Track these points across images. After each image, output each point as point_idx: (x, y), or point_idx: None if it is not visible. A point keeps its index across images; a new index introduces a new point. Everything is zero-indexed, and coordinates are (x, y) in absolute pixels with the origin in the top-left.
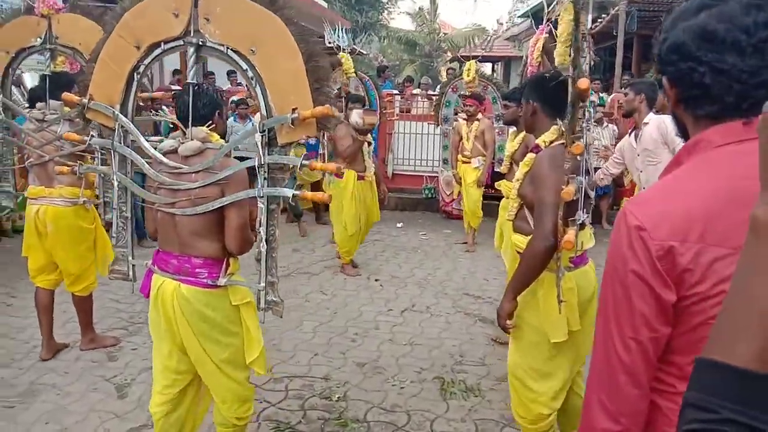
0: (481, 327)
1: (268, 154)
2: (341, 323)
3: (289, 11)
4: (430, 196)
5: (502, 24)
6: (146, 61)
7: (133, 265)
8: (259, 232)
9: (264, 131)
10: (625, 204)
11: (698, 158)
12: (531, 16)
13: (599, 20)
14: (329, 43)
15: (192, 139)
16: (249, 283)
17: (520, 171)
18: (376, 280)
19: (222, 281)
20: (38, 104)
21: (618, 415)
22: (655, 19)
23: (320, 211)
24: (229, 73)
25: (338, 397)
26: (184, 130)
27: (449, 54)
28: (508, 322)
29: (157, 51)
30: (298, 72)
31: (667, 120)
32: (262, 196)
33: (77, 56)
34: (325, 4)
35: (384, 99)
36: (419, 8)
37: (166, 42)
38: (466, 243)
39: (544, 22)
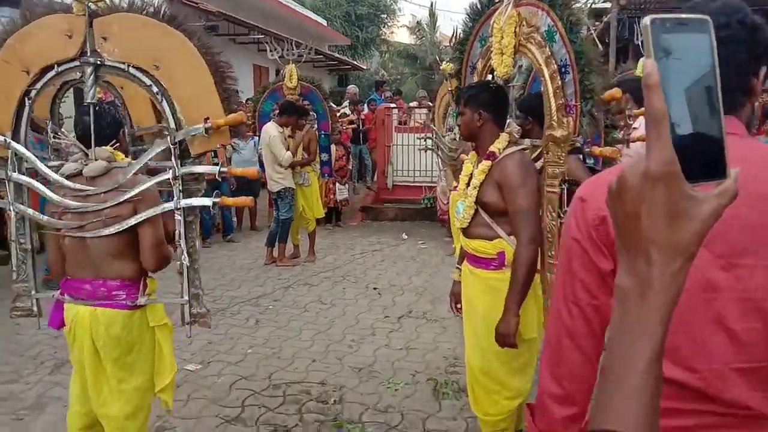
0: None
1: (182, 166)
2: (339, 331)
3: (190, 26)
4: (429, 205)
5: None
6: (38, 85)
7: (37, 300)
8: (179, 245)
9: (176, 143)
10: None
11: None
12: None
13: (593, 27)
14: (271, 57)
15: (96, 159)
16: (173, 299)
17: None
18: (375, 288)
19: (142, 300)
20: None
21: (561, 379)
22: None
23: None
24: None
25: (334, 401)
26: (86, 151)
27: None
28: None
29: (51, 73)
30: (206, 83)
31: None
32: (179, 209)
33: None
34: (324, 22)
35: (384, 112)
36: (417, 22)
37: (59, 64)
38: None
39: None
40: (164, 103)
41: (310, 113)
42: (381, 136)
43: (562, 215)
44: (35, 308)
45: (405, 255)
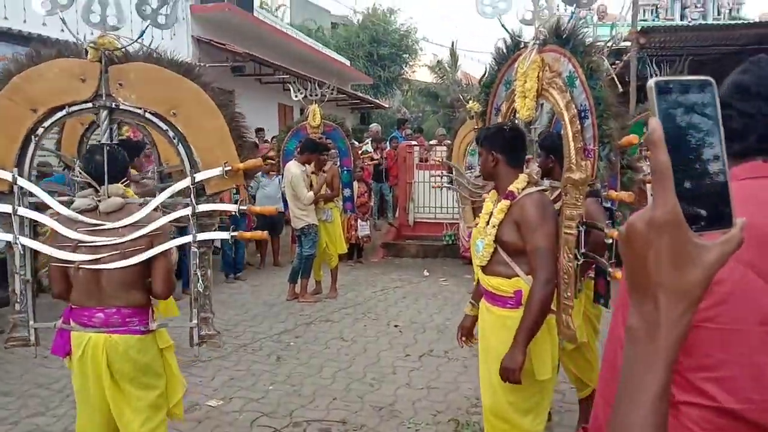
0: None
1: (197, 204)
2: (360, 369)
3: (205, 78)
4: (450, 242)
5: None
6: (46, 124)
7: (35, 329)
8: (196, 274)
9: (195, 184)
10: None
11: None
12: None
13: (613, 66)
14: (295, 98)
15: (110, 196)
16: (182, 322)
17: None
18: (396, 326)
19: (153, 326)
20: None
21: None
22: (668, 63)
23: None
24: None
25: None
26: (97, 188)
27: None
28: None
29: (60, 114)
30: (222, 131)
31: None
32: (196, 242)
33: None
34: (347, 62)
35: (405, 150)
36: (438, 61)
37: (70, 105)
38: None
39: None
40: (181, 147)
41: (331, 150)
42: (402, 173)
43: (579, 257)
44: (32, 338)
45: (426, 292)
